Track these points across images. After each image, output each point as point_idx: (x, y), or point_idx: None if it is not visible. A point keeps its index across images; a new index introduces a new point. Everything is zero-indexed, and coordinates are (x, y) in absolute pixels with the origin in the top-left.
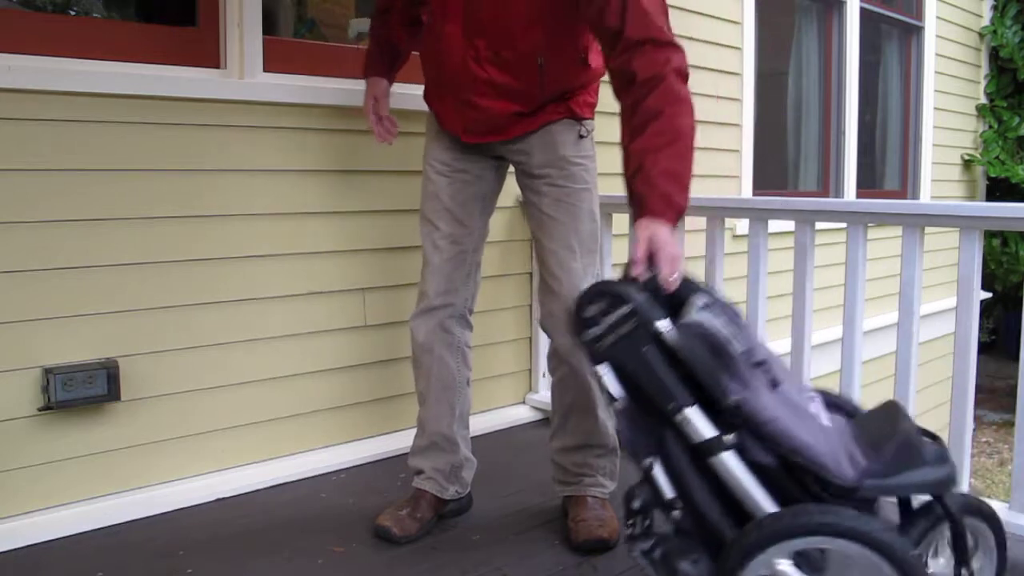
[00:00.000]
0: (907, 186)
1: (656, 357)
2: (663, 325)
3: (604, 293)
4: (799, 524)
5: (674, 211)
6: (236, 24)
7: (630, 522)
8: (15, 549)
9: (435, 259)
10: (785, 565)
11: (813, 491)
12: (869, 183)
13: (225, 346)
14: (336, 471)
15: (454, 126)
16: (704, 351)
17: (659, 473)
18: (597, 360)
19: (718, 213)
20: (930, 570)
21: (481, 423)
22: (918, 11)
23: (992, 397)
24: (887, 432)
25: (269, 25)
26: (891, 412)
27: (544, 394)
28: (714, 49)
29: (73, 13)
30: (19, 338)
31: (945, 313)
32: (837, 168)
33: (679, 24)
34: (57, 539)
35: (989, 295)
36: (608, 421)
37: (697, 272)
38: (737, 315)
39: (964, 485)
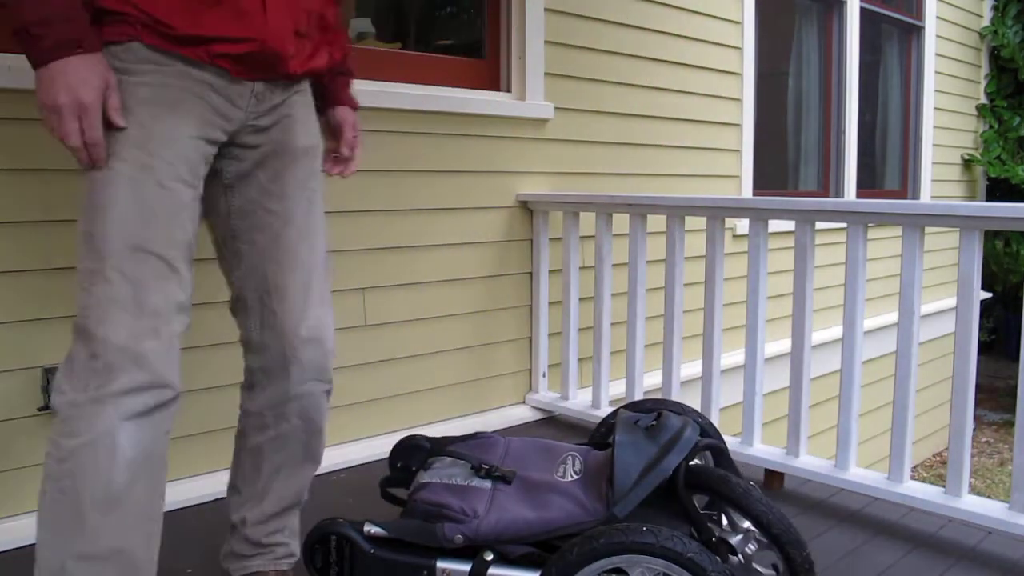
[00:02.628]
0: (907, 186)
1: (383, 551)
2: (369, 528)
3: (316, 540)
4: (564, 562)
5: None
6: None
7: None
8: (15, 549)
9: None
10: None
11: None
12: (869, 183)
13: (225, 346)
14: (336, 471)
15: (277, 24)
16: (417, 519)
17: None
18: None
19: (718, 213)
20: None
21: (481, 423)
22: (918, 11)
23: (992, 397)
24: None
25: None
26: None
27: (545, 394)
28: (714, 49)
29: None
30: (19, 338)
31: (945, 313)
32: (837, 168)
33: (679, 24)
34: None
35: (989, 295)
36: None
37: (697, 272)
38: (481, 441)
39: (964, 485)
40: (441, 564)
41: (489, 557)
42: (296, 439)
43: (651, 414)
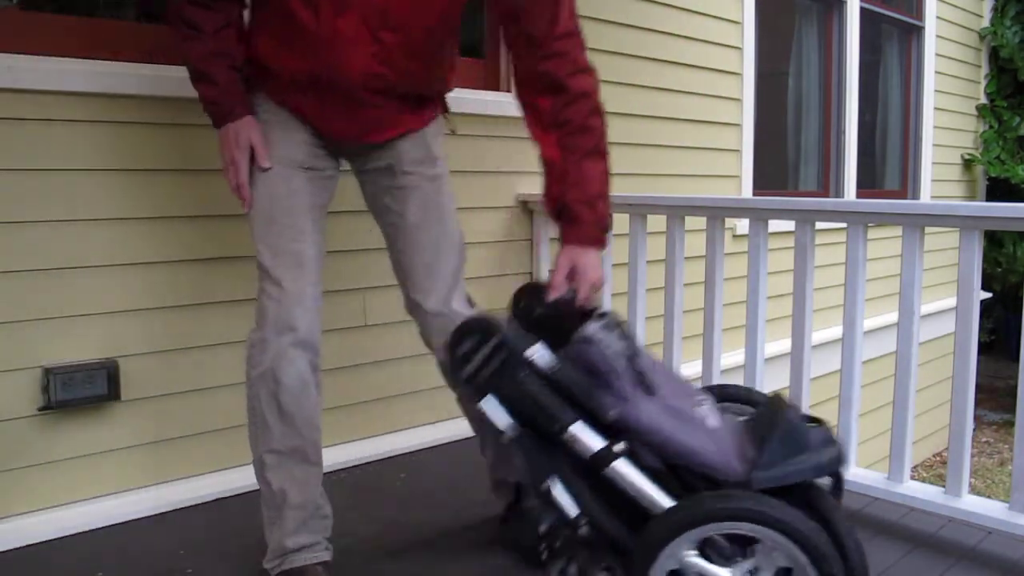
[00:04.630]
0: (907, 186)
1: (534, 383)
2: (534, 351)
3: (473, 329)
4: (699, 513)
5: (605, 235)
6: None
7: (541, 547)
8: (15, 549)
9: (301, 277)
10: (693, 556)
11: (702, 489)
12: (869, 183)
13: (225, 346)
14: (336, 471)
15: (331, 125)
16: (579, 372)
17: (559, 493)
18: (479, 394)
19: (718, 213)
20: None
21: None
22: (918, 11)
23: (992, 397)
24: (772, 424)
25: None
26: (776, 404)
27: None
28: (714, 49)
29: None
30: (19, 338)
31: (945, 313)
32: (837, 168)
33: (679, 24)
34: (57, 539)
35: (989, 295)
36: None
37: (697, 272)
38: (623, 330)
39: (964, 485)
40: (575, 429)
41: (620, 448)
42: None
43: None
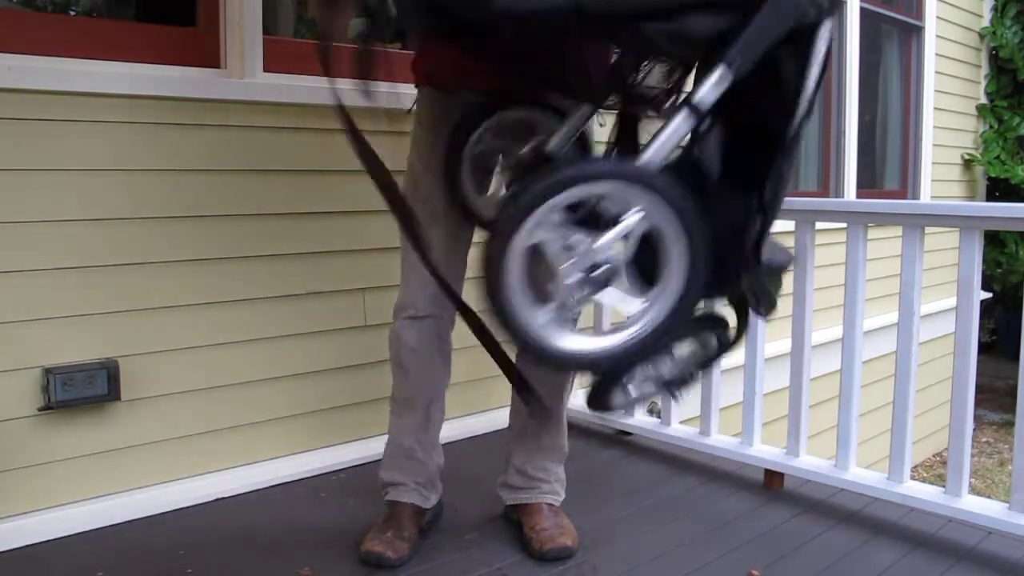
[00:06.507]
0: (907, 186)
1: None
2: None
3: None
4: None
5: None
6: (236, 24)
7: None
8: (15, 549)
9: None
10: (559, 224)
11: None
12: (869, 183)
13: (225, 346)
14: (336, 471)
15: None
16: None
17: None
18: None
19: None
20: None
21: (480, 423)
22: (918, 11)
23: (992, 397)
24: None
25: (269, 25)
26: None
27: None
28: None
29: (73, 13)
30: (19, 338)
31: (945, 313)
32: (837, 168)
33: None
34: (57, 539)
35: (989, 295)
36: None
37: None
38: None
39: (964, 485)
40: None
41: None
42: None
43: None
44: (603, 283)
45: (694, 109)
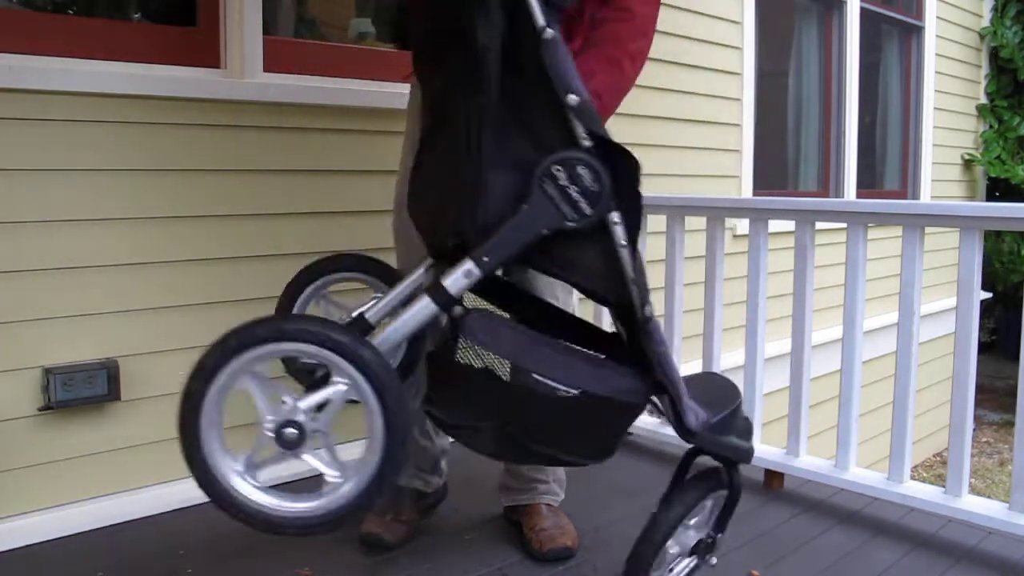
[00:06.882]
0: (907, 186)
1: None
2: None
3: None
4: (261, 332)
5: None
6: (236, 24)
7: None
8: (15, 549)
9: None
10: (252, 378)
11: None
12: (869, 183)
13: None
14: None
15: None
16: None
17: None
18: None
19: (718, 213)
20: (689, 533)
21: None
22: (918, 11)
23: (992, 397)
24: (721, 397)
25: (269, 24)
26: (721, 381)
27: None
28: (714, 49)
29: (71, 12)
30: (19, 338)
31: (945, 313)
32: (837, 168)
33: (679, 24)
34: (57, 539)
35: (989, 295)
36: None
37: (697, 272)
38: None
39: (964, 485)
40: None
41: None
42: None
43: None
44: (292, 444)
45: (438, 295)
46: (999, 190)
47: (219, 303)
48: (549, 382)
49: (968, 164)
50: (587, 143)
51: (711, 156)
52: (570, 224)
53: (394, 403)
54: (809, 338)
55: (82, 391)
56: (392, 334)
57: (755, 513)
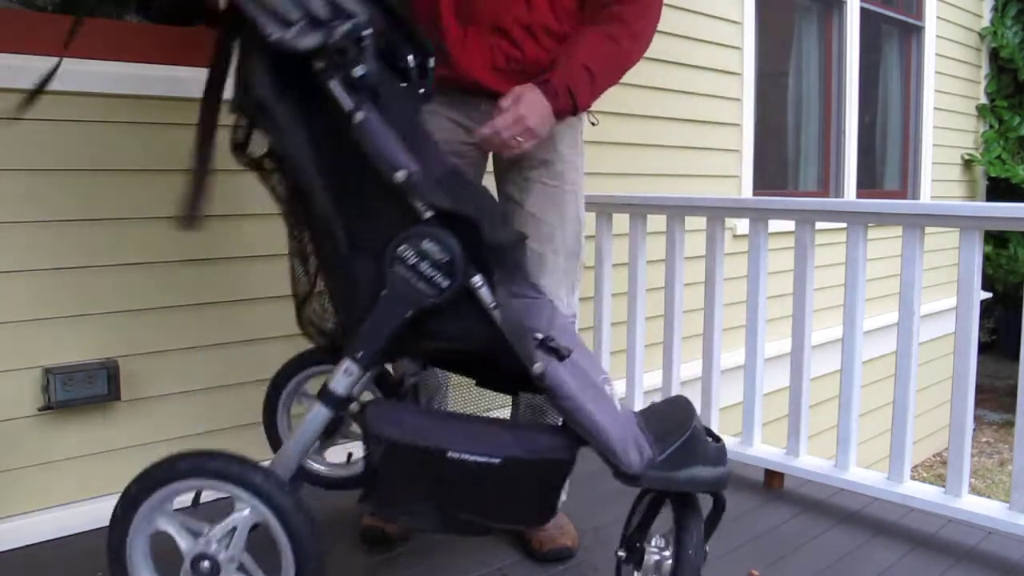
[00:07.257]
0: (907, 186)
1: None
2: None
3: None
4: (168, 471)
5: (567, 94)
6: None
7: None
8: (15, 549)
9: None
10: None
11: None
12: (869, 183)
13: (225, 346)
14: None
15: (472, 61)
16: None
17: None
18: None
19: (718, 213)
20: (653, 556)
21: None
22: (918, 11)
23: (992, 397)
24: (674, 426)
25: None
26: (680, 406)
27: None
28: (714, 49)
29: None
30: (19, 338)
31: (945, 313)
32: (837, 168)
33: (679, 24)
34: (57, 539)
35: (989, 295)
36: None
37: (697, 272)
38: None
39: (964, 485)
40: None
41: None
42: None
43: None
44: (209, 574)
45: (327, 399)
46: (999, 190)
47: (219, 303)
48: (467, 457)
49: (968, 164)
50: (428, 214)
51: (711, 156)
52: (431, 300)
53: (304, 534)
54: (809, 338)
55: (82, 391)
56: (291, 449)
57: (755, 513)
